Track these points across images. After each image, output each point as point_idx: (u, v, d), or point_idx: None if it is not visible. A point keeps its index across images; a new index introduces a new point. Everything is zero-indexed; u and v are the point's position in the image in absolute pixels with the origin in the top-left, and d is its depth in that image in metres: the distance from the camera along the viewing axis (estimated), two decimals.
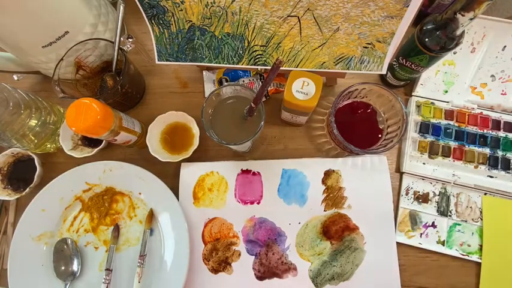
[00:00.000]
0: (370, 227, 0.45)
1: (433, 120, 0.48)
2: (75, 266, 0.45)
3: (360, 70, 0.40)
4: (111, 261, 0.44)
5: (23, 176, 0.48)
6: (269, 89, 0.49)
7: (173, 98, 0.53)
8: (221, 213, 0.47)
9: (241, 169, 0.48)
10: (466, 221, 0.45)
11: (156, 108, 0.52)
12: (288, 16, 0.36)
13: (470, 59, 0.49)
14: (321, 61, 0.40)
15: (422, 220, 0.46)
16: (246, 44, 0.40)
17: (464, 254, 0.44)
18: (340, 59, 0.40)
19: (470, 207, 0.46)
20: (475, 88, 0.49)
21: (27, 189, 0.46)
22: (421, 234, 0.45)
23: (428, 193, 0.47)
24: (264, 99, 0.49)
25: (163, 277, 0.43)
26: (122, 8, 0.43)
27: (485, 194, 0.46)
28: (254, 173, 0.48)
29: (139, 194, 0.47)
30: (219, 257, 0.45)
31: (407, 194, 0.47)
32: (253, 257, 0.45)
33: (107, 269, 0.43)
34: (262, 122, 0.37)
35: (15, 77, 0.54)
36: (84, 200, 0.48)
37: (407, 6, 0.33)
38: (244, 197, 0.47)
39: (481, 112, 0.48)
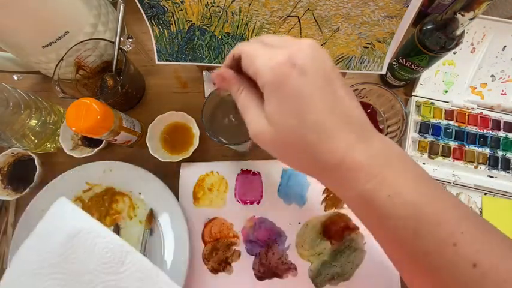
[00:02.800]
0: None
1: (433, 120, 0.48)
2: None
3: (360, 70, 0.40)
4: None
5: (23, 176, 0.48)
6: None
7: (173, 98, 0.53)
8: (221, 213, 0.47)
9: (241, 169, 0.48)
10: None
11: (156, 108, 0.52)
12: (288, 16, 0.36)
13: (470, 59, 0.49)
14: None
15: None
16: None
17: None
18: (340, 59, 0.40)
19: (470, 207, 0.46)
20: (475, 88, 0.49)
21: (27, 189, 0.46)
22: None
23: None
24: None
25: None
26: (121, 8, 0.43)
27: (485, 194, 0.46)
28: (254, 173, 0.48)
29: (139, 194, 0.47)
30: (219, 257, 0.45)
31: None
32: (253, 257, 0.45)
33: None
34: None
35: (15, 77, 0.54)
36: (84, 200, 0.48)
37: (407, 6, 0.33)
38: (244, 197, 0.47)
39: (481, 112, 0.48)
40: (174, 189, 0.46)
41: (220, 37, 0.40)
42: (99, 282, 0.29)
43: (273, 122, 0.20)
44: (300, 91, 0.19)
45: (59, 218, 0.32)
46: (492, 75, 0.49)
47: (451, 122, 0.48)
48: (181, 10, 0.37)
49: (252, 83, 0.23)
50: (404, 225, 0.19)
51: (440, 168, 0.47)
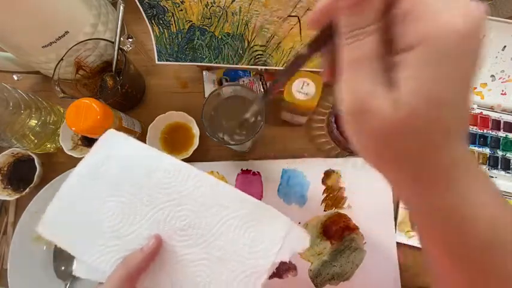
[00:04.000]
0: (370, 227, 0.45)
1: None
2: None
3: None
4: None
5: (23, 176, 0.48)
6: None
7: (173, 98, 0.53)
8: None
9: (241, 169, 0.48)
10: None
11: (156, 108, 0.52)
12: (288, 16, 0.36)
13: None
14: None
15: None
16: (246, 44, 0.40)
17: None
18: None
19: None
20: (475, 88, 0.49)
21: (27, 189, 0.46)
22: None
23: None
24: None
25: None
26: (121, 8, 0.43)
27: None
28: (254, 173, 0.48)
29: None
30: None
31: None
32: None
33: None
34: (262, 122, 0.37)
35: (15, 77, 0.54)
36: None
37: None
38: None
39: (481, 112, 0.48)
40: None
41: (220, 37, 0.40)
42: (160, 203, 0.29)
43: (406, 103, 0.13)
44: (473, 69, 0.13)
45: (110, 147, 0.31)
46: (492, 75, 0.49)
47: None
48: (181, 10, 0.37)
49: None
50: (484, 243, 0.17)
51: None
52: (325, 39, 0.16)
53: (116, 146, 0.32)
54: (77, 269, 0.30)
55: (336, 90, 0.15)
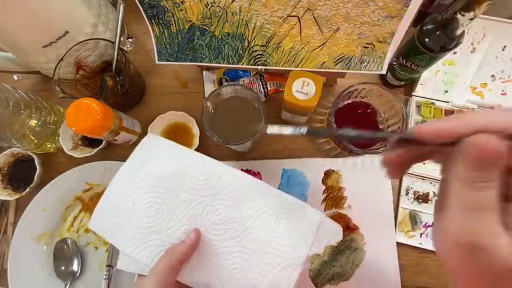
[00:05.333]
0: (370, 227, 0.45)
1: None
2: (75, 266, 0.45)
3: (360, 70, 0.40)
4: (111, 258, 0.44)
5: (23, 176, 0.48)
6: (269, 88, 0.49)
7: (173, 98, 0.53)
8: None
9: (241, 169, 0.48)
10: None
11: (156, 108, 0.52)
12: (288, 16, 0.36)
13: (470, 59, 0.49)
14: (321, 61, 0.40)
15: (423, 220, 0.46)
16: (246, 44, 0.40)
17: None
18: (340, 59, 0.40)
19: None
20: (475, 88, 0.49)
21: (27, 189, 0.46)
22: (421, 234, 0.45)
23: (428, 193, 0.47)
24: (263, 99, 0.49)
25: None
26: (121, 8, 0.43)
27: None
28: (254, 173, 0.48)
29: None
30: None
31: (407, 194, 0.47)
32: None
33: (108, 265, 0.43)
34: (262, 122, 0.37)
35: (15, 77, 0.54)
36: (84, 200, 0.48)
37: (407, 6, 0.33)
38: None
39: None
40: None
41: (220, 37, 0.40)
42: (196, 199, 0.30)
43: None
44: None
45: (150, 148, 0.34)
46: (492, 75, 0.49)
47: None
48: (181, 10, 0.37)
49: None
50: None
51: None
52: (422, 144, 0.17)
53: (154, 148, 0.33)
54: (120, 262, 0.32)
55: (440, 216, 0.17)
